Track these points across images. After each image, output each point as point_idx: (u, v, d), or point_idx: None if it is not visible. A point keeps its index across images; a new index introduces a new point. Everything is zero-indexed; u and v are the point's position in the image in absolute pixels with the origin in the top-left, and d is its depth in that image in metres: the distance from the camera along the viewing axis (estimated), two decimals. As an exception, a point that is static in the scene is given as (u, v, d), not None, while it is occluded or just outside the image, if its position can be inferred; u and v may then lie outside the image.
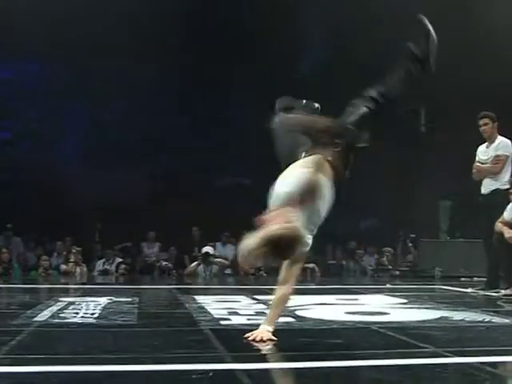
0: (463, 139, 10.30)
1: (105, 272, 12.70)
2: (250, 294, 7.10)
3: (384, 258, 13.76)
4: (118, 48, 13.69)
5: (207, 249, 12.75)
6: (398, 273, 13.18)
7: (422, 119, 16.21)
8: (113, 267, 12.82)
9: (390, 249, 13.99)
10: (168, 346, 3.73)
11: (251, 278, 12.38)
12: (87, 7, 13.49)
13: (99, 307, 5.61)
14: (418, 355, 3.42)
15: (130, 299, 6.47)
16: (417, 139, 15.78)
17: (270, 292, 7.57)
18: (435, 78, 13.58)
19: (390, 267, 13.57)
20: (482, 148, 8.30)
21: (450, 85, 13.94)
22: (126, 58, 13.96)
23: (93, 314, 5.14)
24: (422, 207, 14.88)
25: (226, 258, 13.23)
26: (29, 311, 5.26)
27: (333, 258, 14.33)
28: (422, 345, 3.74)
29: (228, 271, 13.22)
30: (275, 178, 4.21)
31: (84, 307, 5.58)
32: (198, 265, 12.57)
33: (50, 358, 3.24)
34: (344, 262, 14.15)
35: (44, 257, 12.82)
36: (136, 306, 5.94)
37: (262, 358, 3.30)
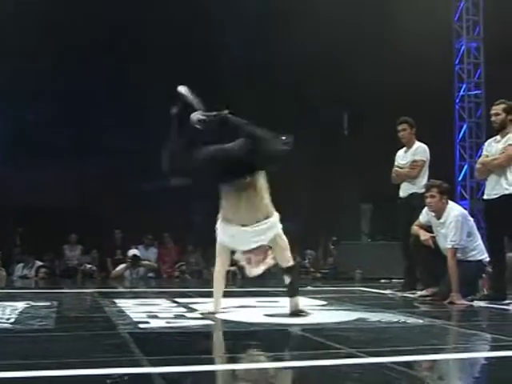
0: (384, 143, 10.49)
1: (24, 277, 12.47)
2: (171, 296, 7.09)
3: (306, 261, 13.90)
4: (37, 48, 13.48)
5: (135, 251, 12.68)
6: (319, 275, 13.33)
7: (344, 123, 16.46)
8: (32, 272, 12.59)
9: (311, 251, 14.14)
10: (85, 350, 3.69)
11: (175, 281, 12.36)
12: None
13: (16, 312, 5.50)
14: (332, 356, 3.47)
15: (48, 303, 6.36)
16: (338, 142, 16.01)
17: (191, 295, 7.60)
18: (358, 84, 13.84)
19: (312, 270, 13.71)
20: (400, 153, 8.49)
21: (371, 89, 14.21)
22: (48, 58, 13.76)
23: (9, 318, 5.04)
24: (344, 210, 15.09)
25: (149, 261, 13.17)
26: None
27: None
28: (336, 346, 3.80)
29: (151, 274, 13.15)
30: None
31: (0, 312, 5.46)
32: (127, 268, 12.48)
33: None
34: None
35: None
36: (54, 310, 5.85)
37: (179, 361, 3.30)
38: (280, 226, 5.24)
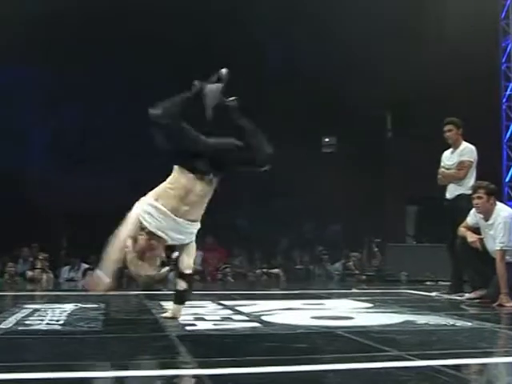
0: (429, 144, 10.41)
1: (71, 279, 12.62)
2: (217, 299, 7.12)
3: (351, 263, 13.85)
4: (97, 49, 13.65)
5: (175, 254, 12.73)
6: (364, 277, 13.27)
7: (388, 125, 16.37)
8: (79, 274, 12.74)
9: (356, 253, 14.08)
10: (134, 352, 3.73)
11: (219, 284, 12.39)
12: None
13: (65, 314, 5.58)
14: (381, 359, 3.46)
15: (96, 305, 6.45)
16: (383, 144, 15.94)
17: (236, 297, 7.62)
18: (402, 84, 13.72)
19: (357, 272, 13.65)
20: (446, 153, 8.40)
21: (416, 90, 14.10)
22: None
23: (58, 320, 5.11)
24: (389, 212, 15.02)
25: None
26: (-6, 318, 5.22)
27: (300, 263, 14.39)
28: (385, 348, 3.78)
29: (196, 277, 13.20)
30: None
31: (50, 314, 5.54)
32: (170, 270, 12.52)
33: (16, 366, 3.23)
34: (311, 267, 14.21)
35: (10, 263, 12.71)
36: (102, 312, 5.92)
37: (228, 364, 3.31)
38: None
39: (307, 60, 14.43)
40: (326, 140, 17.01)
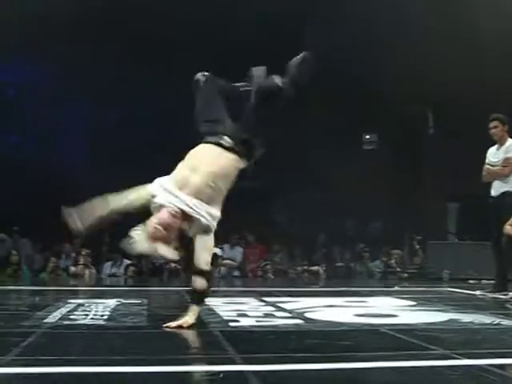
0: (473, 141, 10.30)
1: (113, 275, 12.74)
2: (258, 296, 7.13)
3: (392, 261, 13.76)
4: (116, 51, 13.73)
5: (215, 250, 12.79)
6: (406, 275, 13.17)
7: (429, 121, 16.23)
8: (121, 270, 12.86)
9: (398, 251, 13.98)
10: (178, 347, 3.75)
11: (260, 280, 12.41)
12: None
13: (108, 309, 5.63)
14: (427, 357, 3.43)
15: (139, 301, 6.50)
16: (425, 141, 15.81)
17: (277, 294, 7.62)
18: (444, 80, 13.58)
19: (399, 269, 13.56)
20: (492, 150, 8.30)
21: (458, 86, 13.94)
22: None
23: (102, 315, 5.16)
24: (431, 209, 14.90)
25: (233, 260, 13.27)
26: (39, 313, 5.28)
27: (341, 261, 14.34)
28: (430, 347, 3.75)
29: (236, 273, 13.27)
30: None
31: (93, 309, 5.60)
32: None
33: (62, 359, 3.26)
34: (352, 265, 14.16)
35: (52, 259, 12.88)
36: (145, 307, 5.96)
37: (272, 360, 3.31)
38: (215, 225, 4.63)
39: (347, 57, 14.35)
40: (367, 137, 16.93)
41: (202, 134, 4.85)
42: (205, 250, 4.63)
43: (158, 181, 4.65)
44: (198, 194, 4.53)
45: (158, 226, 4.35)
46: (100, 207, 4.73)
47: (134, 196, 4.69)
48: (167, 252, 4.40)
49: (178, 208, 4.45)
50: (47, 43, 13.34)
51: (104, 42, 13.50)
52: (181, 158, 4.79)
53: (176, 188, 4.54)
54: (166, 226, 4.37)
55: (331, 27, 13.55)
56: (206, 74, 5.11)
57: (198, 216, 4.49)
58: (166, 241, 4.36)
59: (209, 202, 4.57)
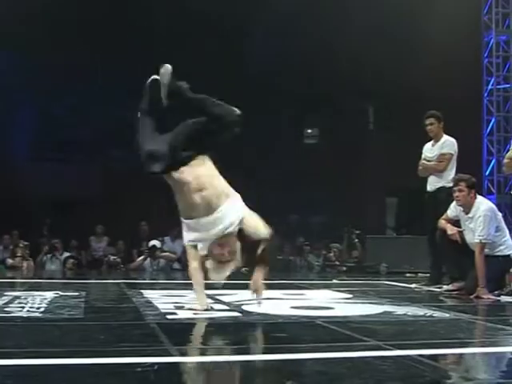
0: (409, 137, 10.47)
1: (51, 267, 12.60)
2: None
3: (331, 254, 13.90)
4: (67, 40, 13.57)
5: (154, 242, 12.76)
6: (344, 268, 13.33)
7: (369, 117, 16.44)
8: (59, 262, 12.71)
9: (337, 245, 14.13)
10: (115, 339, 3.74)
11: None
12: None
13: (45, 301, 5.57)
14: (359, 348, 3.50)
15: (76, 293, 6.44)
16: (364, 136, 16.00)
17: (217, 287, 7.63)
18: (384, 77, 13.75)
19: (337, 263, 13.71)
20: (427, 146, 8.47)
21: (398, 82, 14.15)
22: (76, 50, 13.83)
23: (39, 308, 5.11)
24: (369, 204, 15.10)
25: (174, 253, 13.22)
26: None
27: (280, 254, 14.42)
28: (364, 338, 3.83)
29: (176, 266, 13.22)
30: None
31: (30, 301, 5.53)
32: (145, 259, 12.57)
33: (-4, 352, 3.24)
34: (291, 258, 14.25)
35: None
36: (83, 300, 5.92)
37: (208, 351, 3.35)
38: (241, 208, 4.94)
39: (291, 53, 14.43)
40: (309, 131, 17.06)
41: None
42: (255, 227, 4.90)
43: (186, 238, 5.00)
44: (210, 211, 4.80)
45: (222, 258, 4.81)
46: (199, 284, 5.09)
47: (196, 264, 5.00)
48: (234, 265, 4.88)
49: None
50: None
51: (57, 32, 13.35)
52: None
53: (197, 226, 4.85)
54: (226, 253, 4.81)
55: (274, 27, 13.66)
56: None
57: (233, 226, 4.81)
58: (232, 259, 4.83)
59: (218, 202, 4.82)
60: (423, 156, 8.47)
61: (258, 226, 4.91)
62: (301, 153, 15.88)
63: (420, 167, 8.43)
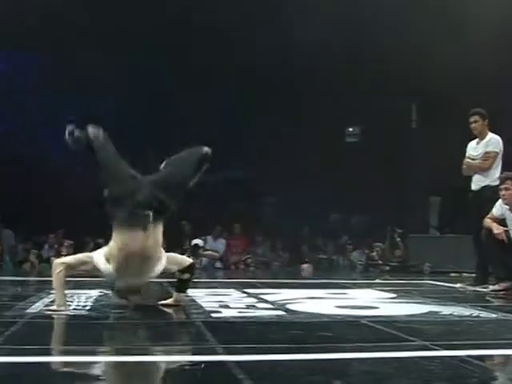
0: (453, 135, 10.37)
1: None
2: (240, 287, 7.15)
3: (374, 253, 13.83)
4: (109, 42, 13.69)
5: (196, 241, 12.83)
6: (387, 268, 13.26)
7: (412, 115, 16.30)
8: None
9: (380, 244, 14.05)
10: (161, 337, 3.77)
11: (242, 272, 12.43)
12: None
13: (91, 300, 5.63)
14: (406, 348, 3.47)
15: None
16: (407, 135, 15.87)
17: (260, 286, 7.66)
18: (428, 73, 13.57)
19: (380, 262, 13.63)
20: (472, 144, 8.36)
21: (442, 78, 13.98)
22: (116, 52, 13.96)
23: (85, 306, 5.17)
24: (412, 203, 14.98)
25: (216, 252, 13.29)
26: (21, 303, 5.29)
27: (323, 253, 14.40)
28: (410, 338, 3.79)
29: (218, 265, 13.29)
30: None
31: (76, 299, 5.59)
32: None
33: (44, 349, 3.28)
34: (334, 257, 14.22)
35: (33, 250, 12.84)
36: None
37: (254, 350, 3.35)
38: (164, 261, 4.90)
39: (333, 51, 14.36)
40: (350, 129, 16.98)
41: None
42: (177, 263, 5.09)
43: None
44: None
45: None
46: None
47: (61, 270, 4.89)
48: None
49: None
50: (34, 34, 13.33)
51: (93, 33, 13.49)
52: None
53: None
54: None
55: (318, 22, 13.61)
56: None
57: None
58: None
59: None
60: (467, 154, 8.36)
61: (181, 260, 5.19)
62: (342, 151, 15.81)
63: (464, 166, 8.32)
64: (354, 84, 14.69)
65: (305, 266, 12.81)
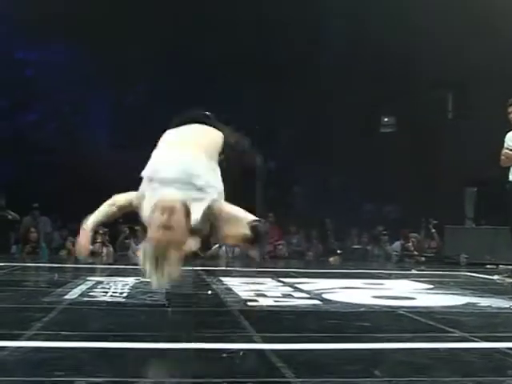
0: (490, 126, 10.24)
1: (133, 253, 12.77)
2: (275, 276, 7.15)
3: (410, 244, 13.73)
4: (142, 33, 13.75)
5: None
6: (423, 259, 13.17)
7: (449, 105, 16.14)
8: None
9: (416, 234, 13.95)
10: (198, 325, 3.77)
11: (276, 262, 12.43)
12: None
13: (127, 287, 5.66)
14: (446, 339, 3.44)
15: (157, 280, 6.51)
16: (443, 125, 15.73)
17: (294, 275, 7.65)
18: (464, 63, 13.41)
19: (416, 253, 13.54)
20: (510, 134, 8.25)
21: (478, 68, 13.83)
22: (151, 41, 14.01)
23: (121, 293, 5.20)
24: (447, 194, 14.85)
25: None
26: (58, 289, 5.33)
27: (358, 243, 14.34)
28: (449, 329, 3.76)
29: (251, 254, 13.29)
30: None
31: (112, 286, 5.64)
32: (220, 246, 12.65)
33: (82, 335, 3.30)
34: (369, 247, 14.15)
35: (70, 237, 12.94)
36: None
37: (291, 339, 3.34)
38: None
39: (368, 42, 14.27)
40: (386, 120, 16.86)
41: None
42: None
43: None
44: None
45: None
46: None
47: None
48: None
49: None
50: (69, 23, 13.43)
51: (127, 24, 13.56)
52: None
53: None
54: None
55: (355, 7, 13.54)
56: None
57: None
58: None
59: None
60: (505, 145, 8.25)
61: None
62: (377, 141, 15.72)
63: (503, 156, 8.21)
64: (390, 74, 14.59)
65: (331, 259, 12.77)
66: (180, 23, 13.98)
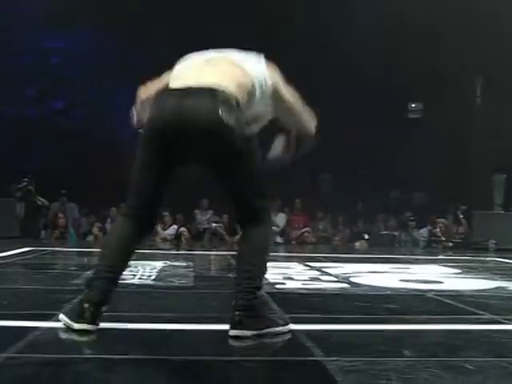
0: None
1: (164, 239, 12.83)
2: (302, 261, 7.15)
3: (437, 229, 13.63)
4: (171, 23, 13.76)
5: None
6: (451, 244, 13.09)
7: (477, 91, 15.98)
8: (170, 233, 12.95)
9: (443, 220, 13.84)
10: (227, 307, 3.77)
11: (302, 246, 12.42)
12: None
13: (155, 270, 5.69)
14: (476, 321, 3.43)
15: (184, 264, 6.55)
16: (471, 111, 15.59)
17: (321, 259, 7.64)
18: (494, 47, 13.26)
19: (443, 238, 13.45)
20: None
21: (509, 53, 13.69)
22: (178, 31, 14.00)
23: (150, 276, 5.23)
24: (476, 180, 14.72)
25: (276, 226, 13.28)
26: (87, 272, 5.35)
27: (385, 229, 14.27)
28: (478, 312, 3.74)
29: (278, 239, 13.30)
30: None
31: (140, 270, 5.66)
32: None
33: (111, 316, 3.31)
34: (396, 233, 14.08)
35: (96, 223, 13.04)
36: (191, 269, 6.01)
37: (320, 320, 3.34)
38: None
39: (395, 27, 14.15)
40: (413, 105, 16.73)
41: None
42: None
43: None
44: None
45: None
46: None
47: None
48: None
49: None
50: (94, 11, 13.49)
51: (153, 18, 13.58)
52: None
53: None
54: None
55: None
56: None
57: None
58: None
59: None
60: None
61: None
62: (404, 127, 15.62)
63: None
64: (418, 58, 14.48)
65: (357, 243, 12.73)
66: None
